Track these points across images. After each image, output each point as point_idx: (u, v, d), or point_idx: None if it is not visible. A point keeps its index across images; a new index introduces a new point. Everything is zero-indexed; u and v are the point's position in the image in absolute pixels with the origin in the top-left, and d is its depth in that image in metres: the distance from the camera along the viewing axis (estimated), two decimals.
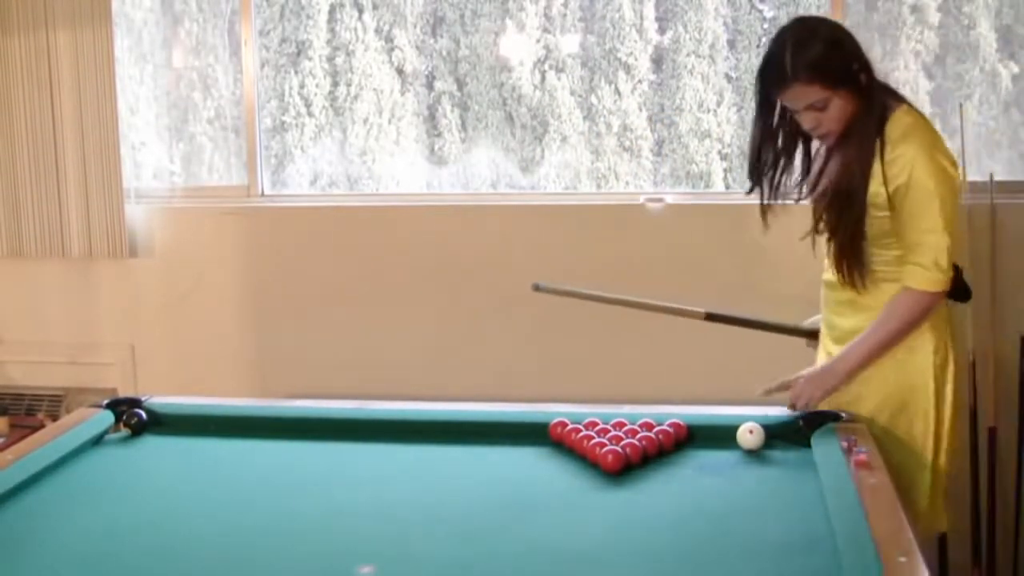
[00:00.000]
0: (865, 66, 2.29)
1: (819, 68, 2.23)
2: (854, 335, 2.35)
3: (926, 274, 2.24)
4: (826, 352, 2.48)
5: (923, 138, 2.25)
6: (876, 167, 2.26)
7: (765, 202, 2.43)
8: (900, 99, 2.34)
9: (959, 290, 2.39)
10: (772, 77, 2.28)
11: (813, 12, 3.55)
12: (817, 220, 2.37)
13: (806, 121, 2.30)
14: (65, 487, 2.07)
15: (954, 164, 2.29)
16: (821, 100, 2.25)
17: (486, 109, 3.84)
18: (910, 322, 2.30)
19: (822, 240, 2.40)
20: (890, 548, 1.61)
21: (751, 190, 2.45)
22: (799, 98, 2.26)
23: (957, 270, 2.37)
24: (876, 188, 2.26)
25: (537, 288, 2.73)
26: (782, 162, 2.42)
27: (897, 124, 2.26)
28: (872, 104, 2.27)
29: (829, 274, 2.43)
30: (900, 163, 2.23)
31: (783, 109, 2.37)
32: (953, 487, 3.15)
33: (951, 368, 2.34)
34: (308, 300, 3.61)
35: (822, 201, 2.37)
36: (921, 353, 2.32)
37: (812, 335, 2.63)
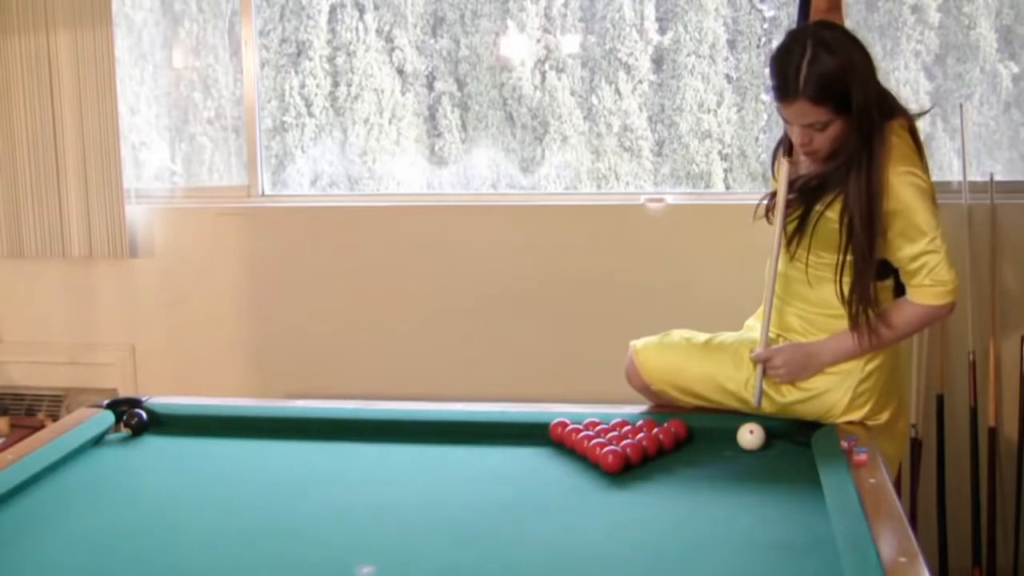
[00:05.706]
0: (875, 94, 2.21)
1: (830, 89, 2.15)
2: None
3: (931, 290, 2.23)
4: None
5: (898, 159, 2.20)
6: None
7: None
8: (890, 112, 2.26)
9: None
10: (778, 87, 2.20)
11: None
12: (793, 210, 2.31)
13: (797, 136, 2.23)
14: (65, 487, 2.07)
15: (927, 174, 2.26)
16: (821, 122, 2.18)
17: (486, 109, 3.84)
18: (910, 332, 2.36)
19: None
20: (891, 549, 1.61)
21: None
22: (801, 115, 2.19)
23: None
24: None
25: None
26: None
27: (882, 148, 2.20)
28: (871, 133, 2.19)
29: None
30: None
31: None
32: (953, 487, 3.18)
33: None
34: (308, 300, 3.61)
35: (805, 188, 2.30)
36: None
37: None
